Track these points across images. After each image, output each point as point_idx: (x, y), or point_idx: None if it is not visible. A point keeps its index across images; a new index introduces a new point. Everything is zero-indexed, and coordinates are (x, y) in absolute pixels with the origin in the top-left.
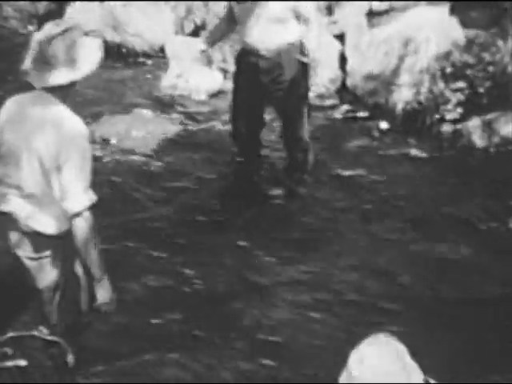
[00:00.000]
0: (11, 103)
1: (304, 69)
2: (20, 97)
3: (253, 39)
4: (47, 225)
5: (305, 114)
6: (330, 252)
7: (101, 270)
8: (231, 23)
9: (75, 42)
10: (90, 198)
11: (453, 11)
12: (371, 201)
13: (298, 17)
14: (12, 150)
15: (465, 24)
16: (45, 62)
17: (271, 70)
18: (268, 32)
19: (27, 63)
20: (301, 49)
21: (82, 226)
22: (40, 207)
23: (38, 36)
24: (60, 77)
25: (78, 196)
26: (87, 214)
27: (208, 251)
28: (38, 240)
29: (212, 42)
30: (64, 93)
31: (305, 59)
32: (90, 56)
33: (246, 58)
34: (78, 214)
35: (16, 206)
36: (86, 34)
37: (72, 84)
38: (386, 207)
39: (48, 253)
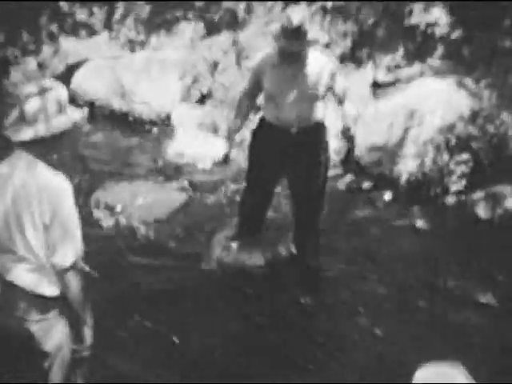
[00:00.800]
0: None
1: (327, 148)
2: (4, 163)
3: (281, 114)
4: (46, 287)
5: (323, 196)
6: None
7: (90, 316)
8: (255, 98)
9: (52, 101)
10: (77, 252)
11: (459, 84)
12: (374, 271)
13: (331, 94)
14: (1, 218)
15: None
16: (22, 118)
17: (298, 147)
18: (300, 108)
19: (8, 120)
20: (323, 128)
21: (72, 279)
22: (38, 270)
23: (19, 93)
24: (30, 132)
25: (67, 251)
26: (77, 267)
27: (211, 316)
28: (41, 302)
29: (237, 127)
30: (43, 150)
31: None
32: (66, 118)
33: (269, 132)
34: (67, 269)
35: (17, 273)
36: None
37: (50, 142)
38: (390, 278)
39: (52, 314)
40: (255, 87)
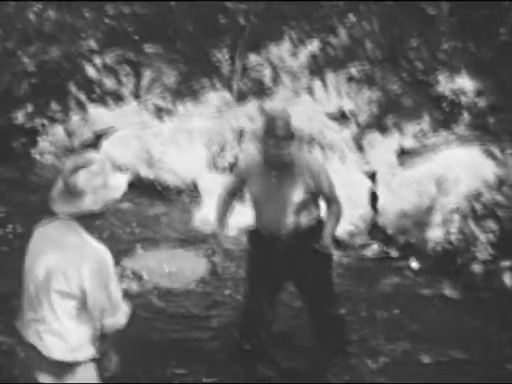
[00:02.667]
0: (37, 234)
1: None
2: (44, 226)
3: (268, 224)
4: (66, 352)
5: (333, 289)
6: None
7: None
8: (235, 197)
9: (98, 173)
10: (127, 314)
11: (485, 153)
12: (406, 339)
13: (322, 197)
14: (35, 283)
15: None
16: (68, 190)
17: (294, 252)
18: (287, 217)
19: (54, 192)
20: (319, 229)
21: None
22: (58, 335)
23: (65, 166)
24: (80, 206)
25: (119, 313)
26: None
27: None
28: (57, 366)
29: (220, 221)
30: (87, 221)
31: (324, 246)
32: (112, 189)
33: (261, 239)
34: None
35: (37, 336)
36: (116, 167)
37: (94, 213)
38: (422, 347)
39: (70, 377)
40: (237, 188)
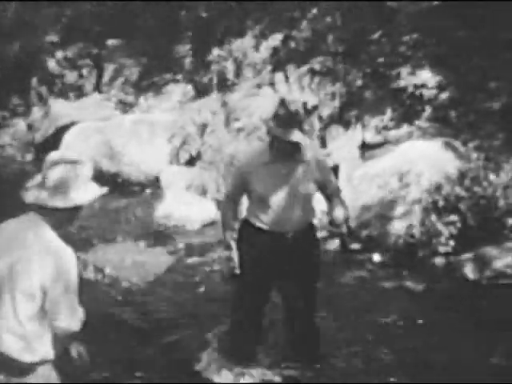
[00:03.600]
0: (0, 230)
1: (319, 246)
2: (8, 223)
3: (275, 219)
4: (27, 353)
5: (315, 296)
6: None
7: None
8: (239, 202)
9: (77, 173)
10: (81, 317)
11: (446, 146)
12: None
13: (327, 191)
14: None
15: None
16: (42, 184)
17: (293, 251)
18: (296, 211)
19: (29, 183)
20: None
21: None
22: (21, 338)
23: (46, 159)
24: (51, 200)
25: (74, 316)
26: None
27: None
28: (20, 367)
29: (228, 228)
30: (56, 218)
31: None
32: (85, 193)
33: (259, 238)
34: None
35: (4, 339)
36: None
37: (63, 212)
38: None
39: (30, 378)
40: (240, 190)
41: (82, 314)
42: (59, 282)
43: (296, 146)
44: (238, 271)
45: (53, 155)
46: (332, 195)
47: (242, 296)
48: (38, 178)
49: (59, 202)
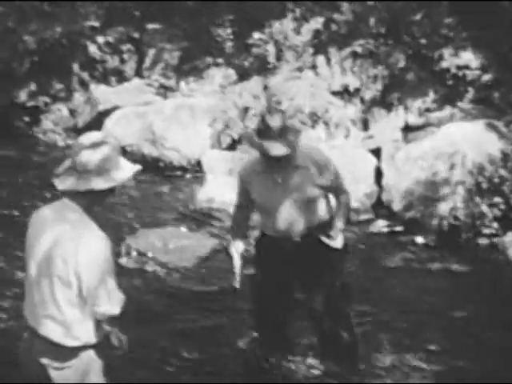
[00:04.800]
0: (37, 216)
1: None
2: (44, 208)
3: (277, 225)
4: (68, 338)
5: (344, 303)
6: None
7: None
8: (249, 210)
9: (105, 155)
10: (121, 301)
11: (489, 127)
12: (411, 313)
13: (330, 190)
14: (35, 267)
15: None
16: (73, 168)
17: (306, 254)
18: (297, 216)
19: (59, 169)
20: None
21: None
22: (61, 323)
23: (75, 143)
24: (82, 184)
25: (113, 300)
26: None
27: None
28: (62, 352)
29: (235, 236)
30: (89, 202)
31: (334, 239)
32: (118, 172)
33: (271, 245)
34: (115, 317)
35: (44, 325)
36: (122, 148)
37: (97, 195)
38: (426, 320)
39: (72, 363)
40: (246, 198)
41: (121, 298)
42: (93, 268)
43: (286, 157)
44: (237, 286)
45: (80, 139)
46: (336, 194)
47: (265, 309)
48: (66, 164)
49: (89, 185)
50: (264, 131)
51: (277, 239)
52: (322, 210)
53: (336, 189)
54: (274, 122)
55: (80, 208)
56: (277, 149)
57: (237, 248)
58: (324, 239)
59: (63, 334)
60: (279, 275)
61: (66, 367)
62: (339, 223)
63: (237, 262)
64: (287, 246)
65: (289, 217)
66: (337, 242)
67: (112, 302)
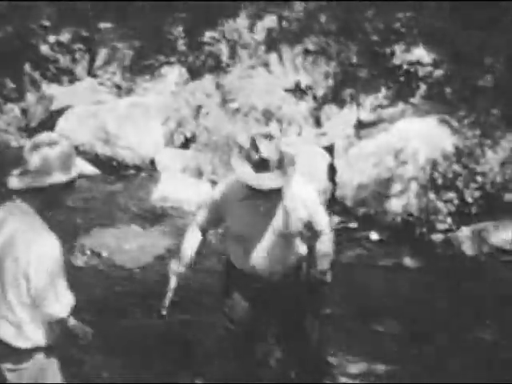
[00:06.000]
0: None
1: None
2: None
3: (254, 261)
4: (20, 339)
5: (317, 331)
6: None
7: None
8: (207, 233)
9: (55, 155)
10: (71, 302)
11: (442, 123)
12: (364, 310)
13: (310, 229)
14: None
15: None
16: (24, 167)
17: (283, 292)
18: (277, 252)
19: (14, 171)
20: (310, 261)
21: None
22: (14, 324)
23: (27, 143)
24: (31, 182)
25: (62, 301)
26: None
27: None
28: (16, 353)
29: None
30: (41, 202)
31: (320, 275)
32: (68, 171)
33: (243, 281)
34: (63, 319)
35: (1, 328)
36: (75, 147)
37: (48, 194)
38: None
39: (26, 365)
40: (211, 224)
41: (70, 299)
42: (42, 269)
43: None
44: (164, 313)
45: (33, 140)
46: (318, 232)
47: (237, 345)
48: (21, 164)
49: (41, 183)
50: (259, 162)
51: (248, 276)
52: (299, 248)
53: (320, 226)
54: (270, 151)
55: (31, 209)
56: (272, 181)
57: (177, 269)
58: (314, 272)
59: (15, 334)
60: (252, 319)
61: (19, 369)
62: (325, 259)
63: (171, 288)
64: (261, 286)
65: (264, 251)
66: (328, 276)
67: (60, 304)
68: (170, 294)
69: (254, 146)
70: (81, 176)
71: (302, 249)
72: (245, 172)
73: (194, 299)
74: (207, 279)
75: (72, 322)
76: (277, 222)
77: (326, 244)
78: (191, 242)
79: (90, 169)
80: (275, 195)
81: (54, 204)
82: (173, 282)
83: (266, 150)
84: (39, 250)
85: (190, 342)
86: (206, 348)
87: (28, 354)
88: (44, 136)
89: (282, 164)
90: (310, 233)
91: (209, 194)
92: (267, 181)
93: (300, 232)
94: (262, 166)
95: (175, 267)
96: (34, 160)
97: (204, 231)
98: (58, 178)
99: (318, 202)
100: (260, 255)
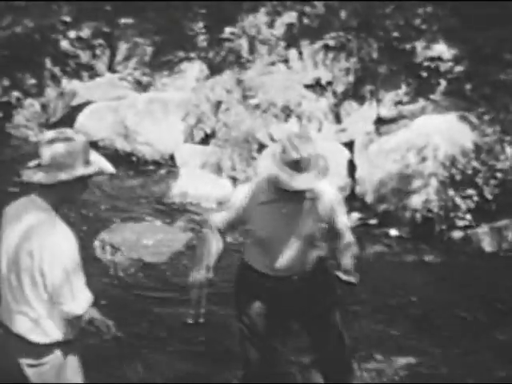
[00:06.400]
0: (5, 213)
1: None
2: (13, 204)
3: (275, 263)
4: (40, 335)
5: (344, 330)
6: None
7: None
8: (227, 236)
9: (71, 149)
10: (88, 299)
11: (462, 120)
12: (385, 306)
13: (335, 230)
14: (4, 263)
15: None
16: (40, 162)
17: (302, 294)
18: (299, 255)
19: (29, 163)
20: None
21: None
22: (33, 320)
23: (42, 137)
24: (47, 177)
25: (79, 299)
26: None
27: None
28: (35, 349)
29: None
30: (57, 198)
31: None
32: (85, 167)
33: (260, 282)
34: (80, 316)
35: (16, 322)
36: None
37: (65, 190)
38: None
39: (47, 360)
40: (233, 227)
41: (86, 297)
42: (57, 266)
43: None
44: (201, 320)
45: (47, 134)
46: (339, 236)
47: (253, 348)
48: (35, 158)
49: (54, 178)
50: (295, 162)
51: (268, 277)
52: (320, 252)
53: (342, 230)
54: (307, 151)
55: (48, 204)
56: (307, 182)
57: (204, 275)
58: (340, 274)
59: (34, 330)
60: (271, 316)
61: (40, 364)
62: (350, 260)
63: (203, 293)
64: (282, 284)
65: (285, 253)
66: (354, 276)
67: (76, 302)
68: (203, 302)
69: (293, 145)
70: (97, 174)
71: (322, 250)
72: (279, 173)
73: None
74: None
75: (95, 315)
76: (301, 224)
77: (350, 245)
78: (213, 246)
79: (107, 167)
80: (298, 197)
81: (68, 200)
82: (199, 292)
83: (304, 151)
84: (54, 246)
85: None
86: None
87: (48, 349)
88: (59, 131)
89: (316, 165)
90: (332, 234)
91: (229, 193)
92: (302, 182)
93: (323, 234)
94: (297, 166)
95: (199, 276)
96: (46, 155)
97: (224, 234)
98: (70, 175)
99: (341, 203)
100: (282, 258)
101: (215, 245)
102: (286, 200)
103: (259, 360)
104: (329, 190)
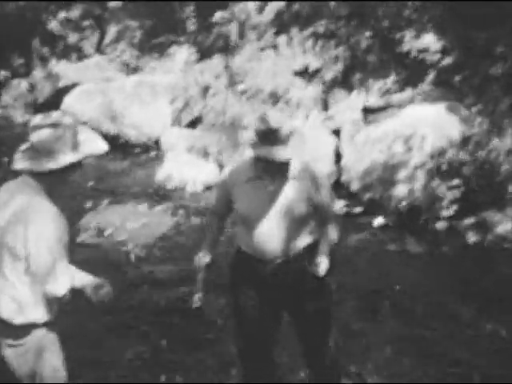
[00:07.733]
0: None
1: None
2: (7, 184)
3: (260, 243)
4: (19, 315)
5: (331, 325)
6: None
7: None
8: (225, 218)
9: (63, 135)
10: (71, 280)
11: (450, 110)
12: (367, 295)
13: (320, 211)
14: None
15: None
16: (29, 149)
17: (289, 280)
18: (283, 233)
19: (19, 148)
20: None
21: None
22: (13, 300)
23: (31, 122)
24: (37, 165)
25: (61, 279)
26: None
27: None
28: (14, 329)
29: (208, 248)
30: (49, 182)
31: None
32: (74, 152)
33: (248, 265)
34: (61, 297)
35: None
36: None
37: (55, 175)
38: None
39: (25, 341)
40: (224, 207)
41: (69, 278)
42: (42, 245)
43: (284, 163)
44: (198, 304)
45: (36, 119)
46: (324, 222)
47: (245, 337)
48: (25, 144)
49: (44, 166)
50: (269, 135)
51: (254, 258)
52: (306, 234)
53: (327, 212)
54: (279, 123)
55: (38, 185)
56: (283, 153)
57: (202, 260)
58: (307, 266)
59: (13, 310)
60: (259, 301)
61: (18, 345)
62: (325, 248)
63: (201, 277)
64: (266, 267)
65: (269, 231)
66: (321, 269)
67: (59, 282)
68: (201, 286)
69: (263, 119)
70: (88, 156)
71: (305, 235)
72: (255, 145)
73: None
74: None
75: (90, 280)
76: (286, 202)
77: (332, 230)
78: (211, 226)
79: (98, 146)
80: (282, 174)
81: (59, 184)
82: (201, 274)
83: (275, 122)
84: (40, 227)
85: None
86: None
87: (27, 329)
88: (46, 115)
89: (290, 137)
90: (318, 219)
91: (216, 175)
92: (278, 152)
93: (310, 213)
94: (271, 138)
95: (202, 259)
96: (34, 141)
97: (220, 216)
98: (58, 164)
99: (328, 185)
100: (264, 235)
101: (216, 231)
102: (271, 177)
103: (249, 350)
104: (314, 167)
